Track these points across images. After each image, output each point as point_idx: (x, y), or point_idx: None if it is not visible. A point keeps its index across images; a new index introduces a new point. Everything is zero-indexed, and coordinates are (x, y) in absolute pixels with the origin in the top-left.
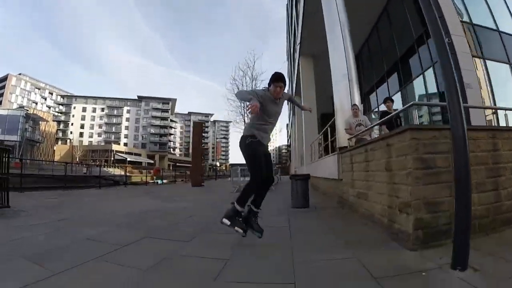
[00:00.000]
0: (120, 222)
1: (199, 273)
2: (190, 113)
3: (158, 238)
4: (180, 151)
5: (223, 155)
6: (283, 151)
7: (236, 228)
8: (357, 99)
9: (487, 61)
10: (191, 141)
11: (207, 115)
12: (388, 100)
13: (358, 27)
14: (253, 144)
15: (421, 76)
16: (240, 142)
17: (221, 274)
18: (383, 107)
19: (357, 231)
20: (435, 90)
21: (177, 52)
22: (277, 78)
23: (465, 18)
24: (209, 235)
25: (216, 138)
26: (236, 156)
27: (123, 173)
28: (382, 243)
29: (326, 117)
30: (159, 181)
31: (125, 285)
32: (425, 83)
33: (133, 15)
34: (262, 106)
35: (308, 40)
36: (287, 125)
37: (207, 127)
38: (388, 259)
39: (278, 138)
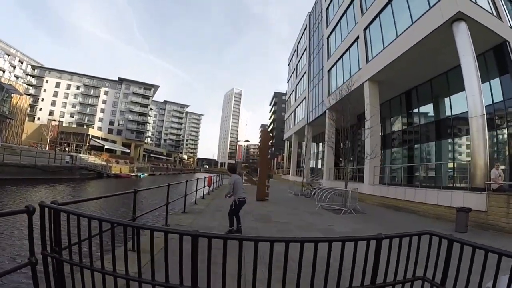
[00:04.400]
0: None
1: None
2: (165, 102)
3: None
4: (151, 140)
5: (192, 148)
6: (251, 150)
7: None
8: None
9: None
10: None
11: (183, 105)
12: None
13: None
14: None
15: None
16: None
17: None
18: None
19: None
20: None
21: (150, 36)
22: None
23: None
24: None
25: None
26: (204, 152)
27: (98, 161)
28: None
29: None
30: (141, 175)
31: None
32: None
33: None
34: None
35: (386, 71)
36: (262, 124)
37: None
38: None
39: (244, 136)
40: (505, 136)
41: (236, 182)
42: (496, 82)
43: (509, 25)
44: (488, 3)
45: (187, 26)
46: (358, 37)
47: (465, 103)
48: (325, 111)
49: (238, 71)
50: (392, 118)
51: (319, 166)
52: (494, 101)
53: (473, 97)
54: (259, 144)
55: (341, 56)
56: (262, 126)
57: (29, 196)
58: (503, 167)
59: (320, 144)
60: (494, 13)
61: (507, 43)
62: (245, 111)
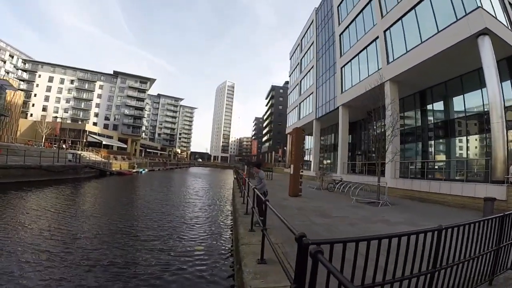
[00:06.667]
0: None
1: None
2: (159, 95)
3: None
4: (145, 135)
5: (185, 142)
6: (244, 143)
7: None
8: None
9: None
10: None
11: (177, 99)
12: None
13: None
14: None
15: None
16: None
17: None
18: None
19: None
20: None
21: (139, 31)
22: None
23: None
24: None
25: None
26: (197, 145)
27: (98, 158)
28: None
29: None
30: (142, 171)
31: None
32: None
33: None
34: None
35: (407, 73)
36: (256, 117)
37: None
38: None
39: (237, 129)
40: None
41: (264, 177)
42: (507, 87)
43: None
44: (504, 17)
45: (175, 20)
46: (377, 37)
47: (477, 103)
48: (338, 107)
49: (227, 64)
50: (405, 114)
51: (328, 160)
52: (506, 105)
53: (495, 104)
54: (292, 141)
55: (357, 55)
56: (256, 119)
57: (42, 204)
58: None
59: (326, 137)
60: (509, 27)
61: None
62: (238, 104)
